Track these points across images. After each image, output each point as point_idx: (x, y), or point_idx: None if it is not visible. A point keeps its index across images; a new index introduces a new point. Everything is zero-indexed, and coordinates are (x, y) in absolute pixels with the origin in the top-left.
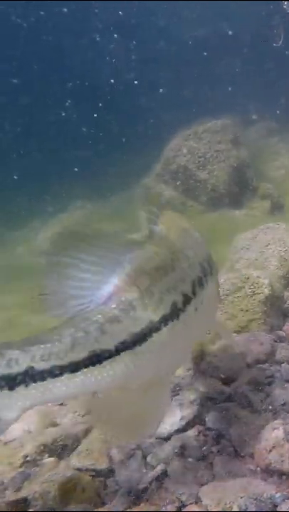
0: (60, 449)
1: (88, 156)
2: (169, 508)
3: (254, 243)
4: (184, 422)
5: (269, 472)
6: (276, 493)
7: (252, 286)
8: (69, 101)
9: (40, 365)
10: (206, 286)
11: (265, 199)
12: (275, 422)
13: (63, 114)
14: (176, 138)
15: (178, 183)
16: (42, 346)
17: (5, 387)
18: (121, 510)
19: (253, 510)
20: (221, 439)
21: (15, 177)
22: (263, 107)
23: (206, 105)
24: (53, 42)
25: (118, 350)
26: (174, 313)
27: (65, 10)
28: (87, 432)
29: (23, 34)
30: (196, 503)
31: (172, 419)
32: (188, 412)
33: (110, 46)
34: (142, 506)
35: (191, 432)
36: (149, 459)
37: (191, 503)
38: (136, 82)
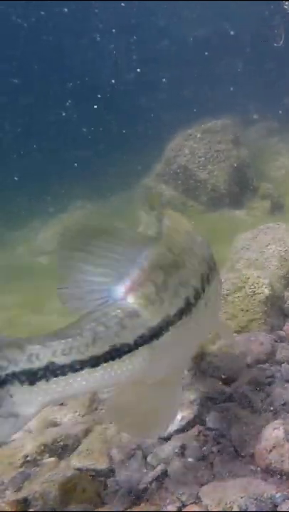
0: (61, 449)
1: (89, 156)
2: (170, 508)
3: (254, 243)
4: (184, 422)
5: (269, 472)
6: (276, 493)
7: (252, 286)
8: (69, 101)
9: (62, 360)
10: (212, 283)
11: (266, 199)
12: (276, 421)
13: (63, 114)
14: (176, 138)
15: (178, 183)
16: (63, 341)
17: (25, 382)
18: (121, 510)
19: (254, 510)
20: (221, 439)
21: (15, 178)
22: (263, 107)
23: (206, 105)
24: (53, 42)
25: (137, 345)
26: (188, 308)
27: (66, 10)
28: (87, 431)
29: (24, 34)
30: (197, 503)
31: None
32: (189, 412)
33: (110, 46)
34: (143, 506)
35: (192, 432)
36: (149, 459)
37: (191, 503)
38: (142, 81)
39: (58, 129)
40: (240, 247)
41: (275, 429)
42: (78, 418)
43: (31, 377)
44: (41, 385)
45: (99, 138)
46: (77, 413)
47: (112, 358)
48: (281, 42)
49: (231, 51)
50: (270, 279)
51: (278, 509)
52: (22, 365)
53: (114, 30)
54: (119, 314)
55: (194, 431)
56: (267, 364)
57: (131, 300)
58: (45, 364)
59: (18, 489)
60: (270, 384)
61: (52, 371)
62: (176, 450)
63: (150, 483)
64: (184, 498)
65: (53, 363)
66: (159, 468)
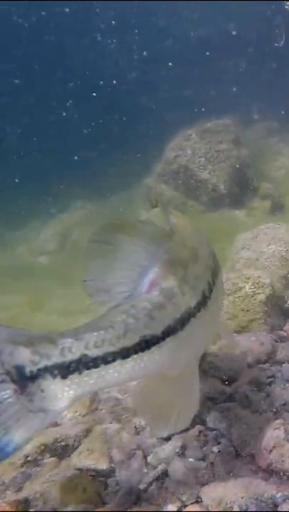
0: (61, 449)
1: (91, 156)
2: (170, 508)
3: (255, 243)
4: None
5: (270, 472)
6: (277, 493)
7: (253, 286)
8: (70, 101)
9: (94, 352)
10: (218, 278)
11: (266, 199)
12: (276, 421)
13: (64, 114)
14: (177, 138)
15: (179, 183)
16: (95, 333)
17: (58, 375)
18: (122, 510)
19: (254, 510)
20: (221, 439)
21: (16, 180)
22: (264, 107)
23: (207, 105)
24: (54, 42)
25: (164, 336)
26: (204, 301)
27: (67, 10)
28: (87, 431)
29: (25, 34)
30: (197, 503)
31: None
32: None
33: (111, 46)
34: (143, 506)
35: (192, 432)
36: (149, 458)
37: (191, 503)
38: (142, 80)
39: (58, 129)
40: (240, 247)
41: (275, 429)
42: (79, 418)
43: (64, 370)
44: (74, 378)
45: (99, 138)
46: (78, 413)
47: (142, 350)
48: (282, 42)
49: (232, 51)
50: (271, 279)
51: (279, 509)
52: (55, 359)
53: (114, 30)
54: (148, 306)
55: (195, 431)
56: (267, 364)
57: (156, 292)
58: (78, 357)
59: (19, 489)
60: (270, 384)
61: (84, 364)
62: (177, 450)
63: (150, 483)
64: (184, 498)
65: (85, 356)
66: (160, 468)
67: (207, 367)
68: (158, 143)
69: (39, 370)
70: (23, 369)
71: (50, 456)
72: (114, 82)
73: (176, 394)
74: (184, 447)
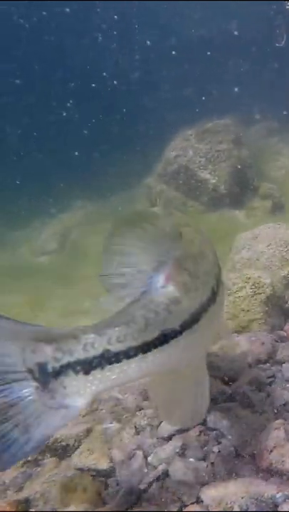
0: (61, 449)
1: (94, 156)
2: (170, 508)
3: (255, 243)
4: None
5: (270, 472)
6: (277, 493)
7: (253, 287)
8: (71, 101)
9: (117, 347)
10: (221, 275)
11: (266, 199)
12: (276, 422)
13: (64, 114)
14: (177, 138)
15: (179, 183)
16: (118, 328)
17: (80, 371)
18: (122, 510)
19: (254, 510)
20: (221, 439)
21: (17, 182)
22: (265, 107)
23: (207, 105)
24: (54, 42)
25: (182, 330)
26: (213, 296)
27: (68, 10)
28: (88, 431)
29: (25, 34)
30: (197, 503)
31: None
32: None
33: (112, 46)
34: (143, 506)
35: (192, 432)
36: (150, 458)
37: (192, 503)
38: (143, 80)
39: (58, 129)
40: (241, 247)
41: (275, 429)
42: (79, 418)
43: (86, 366)
44: (96, 373)
45: (99, 138)
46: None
47: (162, 344)
48: (283, 42)
49: (233, 51)
50: (271, 279)
51: (279, 509)
52: (77, 355)
53: (115, 30)
54: (165, 301)
55: (195, 431)
56: (268, 364)
57: (171, 287)
58: (101, 352)
59: (19, 489)
60: (270, 384)
61: (107, 359)
62: (177, 450)
63: (151, 483)
64: (184, 498)
65: (108, 351)
66: (160, 468)
67: (207, 367)
68: (158, 143)
69: (62, 366)
70: (45, 366)
71: (51, 456)
72: (115, 82)
73: (190, 388)
74: (184, 447)
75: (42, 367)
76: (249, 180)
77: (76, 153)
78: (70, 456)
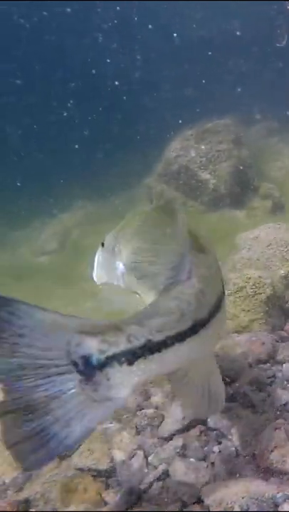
0: None
1: (94, 156)
2: (171, 508)
3: (255, 243)
4: (185, 422)
5: (270, 472)
6: (277, 493)
7: (253, 287)
8: (71, 101)
9: (157, 337)
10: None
11: (267, 199)
12: (277, 421)
13: (65, 114)
14: (177, 138)
15: (179, 183)
16: (157, 319)
17: (125, 362)
18: (123, 510)
19: (255, 510)
20: (222, 439)
21: (18, 184)
22: (265, 107)
23: (207, 105)
24: (55, 42)
25: (209, 319)
26: (224, 288)
27: (69, 10)
28: None
29: (26, 34)
30: (198, 503)
31: (174, 419)
32: (190, 411)
33: (112, 46)
34: (144, 506)
35: (193, 432)
36: (150, 458)
37: (192, 503)
38: (143, 80)
39: (59, 129)
40: (241, 247)
41: (276, 429)
42: None
43: (131, 357)
44: (139, 364)
45: (100, 138)
46: None
47: (194, 333)
48: (284, 42)
49: (234, 51)
50: (272, 279)
51: (279, 509)
52: (122, 346)
53: (115, 30)
54: (194, 292)
55: (195, 431)
56: (268, 364)
57: (195, 280)
58: (143, 342)
59: (20, 489)
60: (271, 384)
61: (149, 349)
62: (178, 450)
63: (151, 483)
64: (185, 498)
65: (150, 341)
66: (161, 468)
67: None
68: (158, 143)
69: (107, 358)
70: (90, 358)
71: None
72: (115, 82)
73: (207, 378)
74: (184, 447)
75: (86, 360)
76: (249, 181)
77: (76, 146)
78: (70, 456)
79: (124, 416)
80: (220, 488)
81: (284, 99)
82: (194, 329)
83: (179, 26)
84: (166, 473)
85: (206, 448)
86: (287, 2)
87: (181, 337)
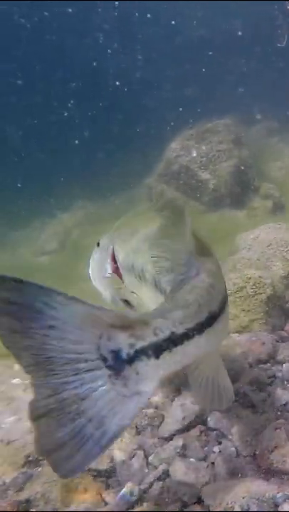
0: None
1: (95, 156)
2: (171, 508)
3: (256, 243)
4: (185, 422)
5: (271, 472)
6: (278, 493)
7: (254, 287)
8: (71, 101)
9: (180, 329)
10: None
11: (267, 199)
12: (277, 421)
13: (65, 114)
14: (178, 138)
15: (180, 183)
16: (178, 311)
17: (152, 356)
18: (123, 510)
19: (255, 510)
20: (222, 439)
21: (19, 185)
22: (266, 107)
23: (208, 105)
24: (55, 42)
25: (220, 311)
26: (226, 287)
27: (70, 10)
28: None
29: (27, 34)
30: (198, 503)
31: (174, 419)
32: (190, 412)
33: (113, 46)
34: (144, 506)
35: (193, 432)
36: (151, 458)
37: (193, 503)
38: (144, 80)
39: (59, 129)
40: (241, 247)
41: (276, 429)
42: None
43: (157, 350)
44: (165, 356)
45: (100, 138)
46: None
47: (209, 325)
48: (284, 42)
49: (234, 51)
50: (272, 279)
51: (280, 509)
52: (149, 339)
53: (116, 30)
54: (205, 286)
55: (196, 431)
56: (268, 364)
57: (204, 275)
58: (168, 335)
59: (20, 489)
60: (271, 384)
61: (173, 341)
62: (178, 450)
63: (152, 483)
64: (185, 498)
65: (173, 333)
66: (161, 468)
67: None
68: (159, 143)
69: (136, 351)
70: (120, 353)
71: None
72: (116, 82)
73: (216, 372)
74: (185, 447)
75: (116, 354)
76: (250, 181)
77: (76, 145)
78: None
79: None
80: (220, 488)
81: (284, 99)
82: (209, 321)
83: (179, 26)
84: (166, 473)
85: (206, 448)
86: (287, 2)
87: (199, 329)
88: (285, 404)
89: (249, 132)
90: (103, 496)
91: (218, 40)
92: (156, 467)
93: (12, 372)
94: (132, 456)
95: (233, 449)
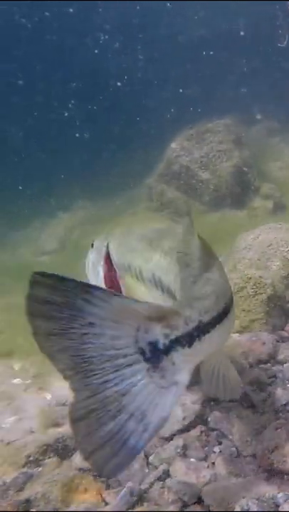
0: (63, 449)
1: (95, 156)
2: (172, 508)
3: (256, 243)
4: (186, 422)
5: (271, 472)
6: (278, 493)
7: (254, 287)
8: (72, 101)
9: (206, 318)
10: None
11: (268, 199)
12: (277, 421)
13: (66, 115)
14: (178, 138)
15: (180, 183)
16: (202, 301)
17: (186, 345)
18: (123, 510)
19: (255, 510)
20: (223, 439)
21: (20, 187)
22: (267, 107)
23: (208, 105)
24: (56, 42)
25: (231, 302)
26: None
27: (71, 10)
28: None
29: (28, 34)
30: (198, 503)
31: (174, 419)
32: (190, 412)
33: (114, 45)
34: (145, 506)
35: (194, 432)
36: (151, 458)
37: (193, 503)
38: (144, 80)
39: (59, 129)
40: (242, 247)
41: (277, 429)
42: None
43: (189, 339)
44: (196, 345)
45: (100, 138)
46: None
47: (226, 315)
48: (285, 42)
49: (235, 51)
50: (272, 279)
51: (280, 509)
52: (182, 329)
53: (117, 30)
54: (219, 279)
55: (196, 431)
56: (269, 364)
57: (215, 269)
58: (197, 324)
59: (20, 489)
60: (271, 384)
61: (202, 330)
62: (178, 450)
63: (152, 483)
64: (186, 498)
65: (201, 322)
66: (161, 468)
67: None
68: (159, 143)
69: (171, 341)
70: (157, 344)
71: (52, 457)
72: (117, 82)
73: (225, 365)
74: (185, 447)
75: (153, 346)
76: (250, 181)
77: (77, 135)
78: (71, 456)
79: None
80: (220, 488)
81: (285, 99)
82: (226, 311)
83: (179, 26)
84: (166, 473)
85: (206, 448)
86: (288, 2)
87: (220, 318)
88: (285, 404)
89: (249, 132)
90: (103, 496)
91: (218, 40)
92: (156, 467)
93: (12, 372)
94: None
95: (234, 449)
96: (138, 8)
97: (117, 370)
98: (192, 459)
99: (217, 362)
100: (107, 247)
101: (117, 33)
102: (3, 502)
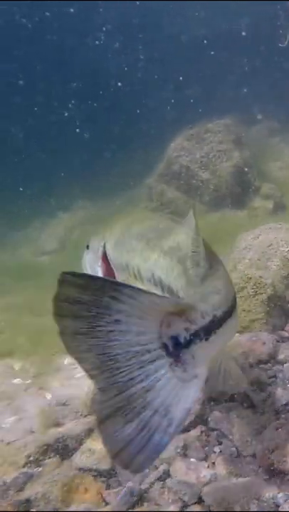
0: (63, 449)
1: (95, 156)
2: (172, 508)
3: (256, 243)
4: (186, 422)
5: (271, 472)
6: (278, 493)
7: (254, 287)
8: (72, 101)
9: (219, 312)
10: None
11: (268, 199)
12: (278, 421)
13: (66, 115)
14: (178, 138)
15: (180, 183)
16: (214, 296)
17: (203, 338)
18: (123, 510)
19: (255, 510)
20: (223, 439)
21: (20, 189)
22: (267, 107)
23: (208, 105)
24: (56, 42)
25: (236, 301)
26: None
27: (71, 10)
28: (89, 431)
29: (28, 34)
30: (199, 503)
31: None
32: (191, 411)
33: (114, 45)
34: (145, 506)
35: (194, 432)
36: None
37: (193, 503)
38: (145, 80)
39: (60, 129)
40: (242, 247)
41: (277, 429)
42: (80, 418)
43: (207, 332)
44: (213, 338)
45: (100, 138)
46: (80, 413)
47: (234, 309)
48: (286, 42)
49: (235, 51)
50: (272, 279)
51: (280, 509)
52: (200, 323)
53: (117, 30)
54: (225, 275)
55: (196, 431)
56: (269, 364)
57: (220, 266)
58: (212, 317)
59: (21, 489)
60: (271, 384)
61: (216, 323)
62: (179, 450)
63: (152, 483)
64: (186, 498)
65: (215, 316)
66: (161, 468)
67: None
68: (159, 143)
69: (191, 335)
70: (178, 338)
71: (52, 457)
72: (118, 82)
73: (227, 360)
74: (185, 447)
75: (175, 340)
76: (250, 181)
77: (76, 146)
78: (71, 456)
79: None
80: (221, 488)
81: (285, 100)
82: (234, 305)
83: (180, 26)
84: (167, 473)
85: (206, 448)
86: (288, 2)
87: (230, 312)
88: (285, 405)
89: (249, 132)
90: (104, 496)
91: (219, 40)
92: (156, 467)
93: (12, 372)
94: None
95: (234, 449)
96: (138, 6)
97: (142, 367)
98: (192, 459)
99: (221, 359)
100: (104, 247)
101: (117, 33)
102: (3, 502)
